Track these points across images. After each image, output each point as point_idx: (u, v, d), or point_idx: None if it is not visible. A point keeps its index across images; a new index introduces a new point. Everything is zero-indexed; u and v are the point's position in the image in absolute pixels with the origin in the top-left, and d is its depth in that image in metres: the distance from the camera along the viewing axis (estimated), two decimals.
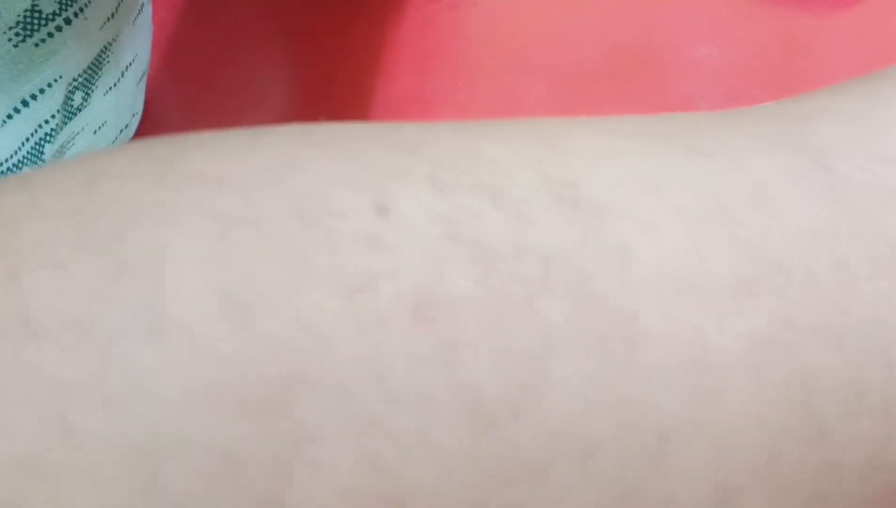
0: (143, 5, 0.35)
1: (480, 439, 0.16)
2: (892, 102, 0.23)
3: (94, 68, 0.31)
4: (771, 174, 0.20)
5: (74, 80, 0.30)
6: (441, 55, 0.43)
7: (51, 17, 0.28)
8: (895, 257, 0.20)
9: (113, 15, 0.31)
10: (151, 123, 0.39)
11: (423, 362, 0.16)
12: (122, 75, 0.34)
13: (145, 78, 0.38)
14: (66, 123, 0.31)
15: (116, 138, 0.36)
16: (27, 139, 0.29)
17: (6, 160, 0.28)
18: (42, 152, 0.29)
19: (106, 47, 0.32)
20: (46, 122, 0.29)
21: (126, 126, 0.37)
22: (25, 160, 0.29)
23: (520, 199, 0.18)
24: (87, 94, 0.31)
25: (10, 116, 0.28)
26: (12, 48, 0.27)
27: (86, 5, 0.29)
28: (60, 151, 0.31)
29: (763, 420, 0.18)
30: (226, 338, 0.15)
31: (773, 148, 0.21)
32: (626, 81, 0.42)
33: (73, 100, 0.31)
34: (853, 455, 0.20)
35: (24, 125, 0.28)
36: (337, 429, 0.15)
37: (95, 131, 0.33)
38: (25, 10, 0.27)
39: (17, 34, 0.27)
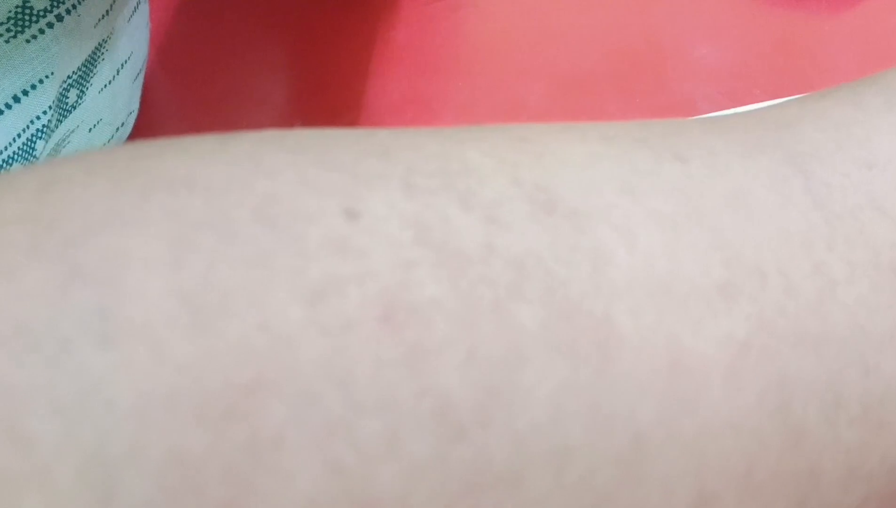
0: (139, 3, 0.35)
1: (449, 446, 0.16)
2: (879, 108, 0.23)
3: (89, 66, 0.31)
4: (749, 179, 0.20)
5: (69, 77, 0.30)
6: (441, 56, 0.42)
7: (42, 13, 0.27)
8: (875, 262, 0.20)
9: (108, 12, 0.31)
10: (148, 121, 0.39)
11: (390, 367, 0.15)
12: (118, 73, 0.34)
13: (142, 76, 0.38)
14: (60, 121, 0.31)
15: (112, 137, 0.36)
16: (18, 135, 0.28)
17: None
18: (34, 149, 0.29)
19: (101, 45, 0.31)
20: (38, 118, 0.29)
21: (122, 124, 0.37)
22: (16, 156, 0.29)
23: (492, 202, 0.18)
24: (82, 91, 0.31)
25: (0, 112, 0.28)
26: (3, 44, 0.27)
27: (79, 2, 0.29)
28: (56, 150, 0.31)
29: (739, 426, 0.18)
30: (184, 344, 0.14)
31: (753, 153, 0.21)
32: (626, 81, 0.42)
33: (67, 97, 0.31)
34: (832, 461, 0.19)
35: (14, 121, 0.28)
36: (300, 436, 0.15)
37: (90, 129, 0.33)
38: (16, 7, 0.27)
39: (7, 30, 0.27)
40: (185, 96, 0.40)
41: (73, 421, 0.14)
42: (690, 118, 0.24)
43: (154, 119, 0.39)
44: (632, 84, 0.42)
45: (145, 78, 0.39)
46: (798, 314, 0.19)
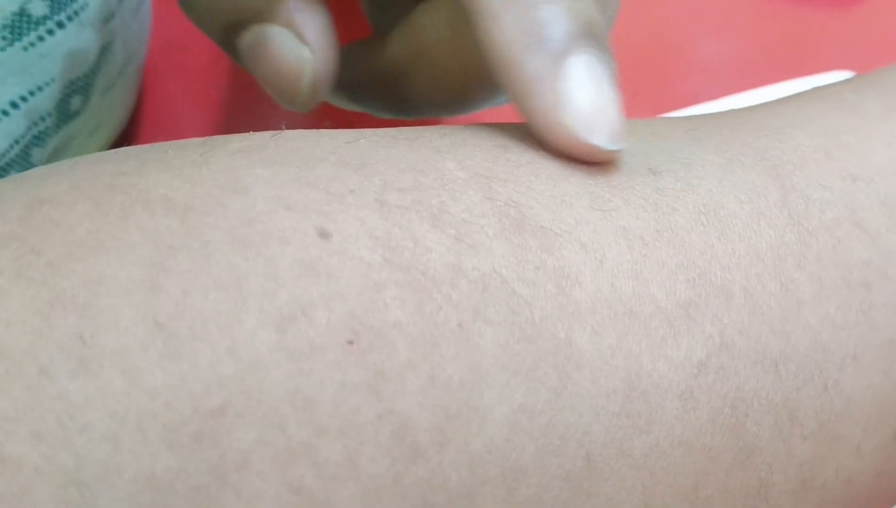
0: (142, 2, 0.35)
1: (406, 466, 0.16)
2: (877, 114, 0.22)
3: (93, 71, 0.31)
4: (724, 193, 0.20)
5: (72, 83, 0.30)
6: None
7: (41, 20, 0.27)
8: (846, 280, 0.20)
9: (112, 16, 0.31)
10: (147, 119, 0.39)
11: (353, 391, 0.16)
12: (120, 75, 0.34)
13: (141, 71, 0.38)
14: (60, 127, 0.31)
15: (111, 138, 0.36)
16: (16, 142, 0.28)
17: None
18: (29, 156, 0.29)
19: (105, 49, 0.31)
20: (35, 124, 0.29)
21: (120, 124, 0.37)
22: (14, 163, 0.29)
23: (462, 220, 0.18)
24: (86, 97, 0.31)
25: None
26: None
27: (81, 9, 0.28)
28: (54, 156, 0.31)
29: (689, 445, 0.18)
30: (156, 370, 0.15)
31: (731, 164, 0.21)
32: (630, 77, 0.41)
33: (70, 104, 0.30)
34: (783, 475, 0.19)
35: (13, 127, 0.28)
36: (264, 458, 0.15)
37: (91, 134, 0.33)
38: (13, 13, 0.26)
39: (3, 38, 0.26)
40: (184, 90, 0.40)
41: (51, 446, 0.14)
42: (681, 117, 0.23)
43: (153, 115, 0.39)
44: (636, 80, 0.42)
45: (144, 72, 0.39)
46: (760, 334, 0.19)
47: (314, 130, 0.20)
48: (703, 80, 0.42)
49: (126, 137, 0.38)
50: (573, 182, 0.19)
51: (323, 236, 0.17)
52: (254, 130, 0.39)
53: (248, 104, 0.40)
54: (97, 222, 0.16)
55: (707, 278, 0.19)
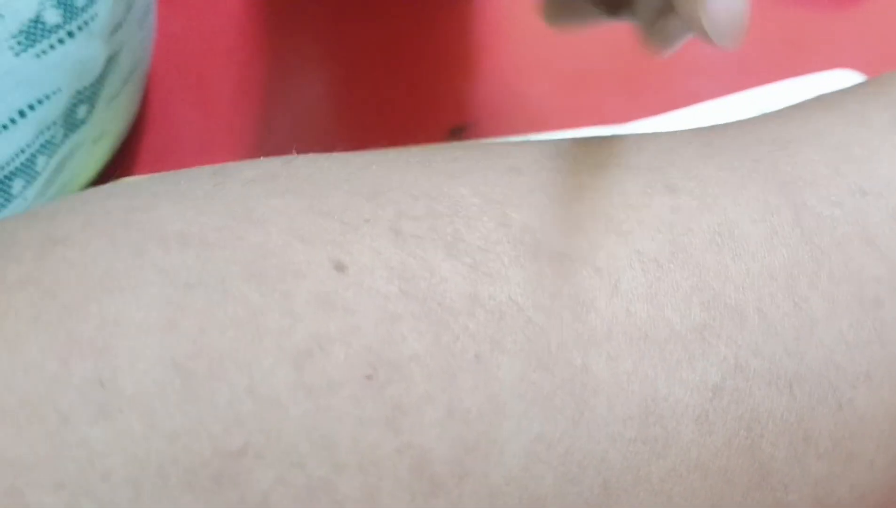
0: (147, 11, 0.35)
1: (426, 500, 0.16)
2: (884, 125, 0.22)
3: (100, 81, 0.31)
4: (738, 212, 0.20)
5: (79, 92, 0.30)
6: (443, 53, 0.42)
7: (53, 29, 0.27)
8: (858, 297, 0.20)
9: (120, 26, 0.31)
10: (151, 126, 0.39)
11: (371, 426, 0.16)
12: (125, 84, 0.34)
13: (145, 79, 0.38)
14: (67, 137, 0.30)
15: (115, 146, 0.36)
16: (22, 151, 0.28)
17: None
18: (34, 165, 0.29)
19: (112, 58, 0.31)
20: (42, 133, 0.29)
21: (123, 131, 0.36)
22: (18, 172, 0.28)
23: (477, 248, 0.18)
24: (92, 106, 0.31)
25: (5, 127, 0.27)
26: (13, 57, 0.26)
27: (91, 19, 0.28)
28: (61, 166, 0.31)
29: (706, 468, 0.18)
30: (175, 412, 0.15)
31: (744, 181, 0.21)
32: (630, 77, 0.42)
33: (76, 113, 0.30)
34: (798, 494, 0.19)
35: (20, 136, 0.28)
36: (284, 497, 0.15)
37: (95, 142, 0.33)
38: (29, 20, 0.26)
39: (18, 43, 0.26)
40: (187, 97, 0.40)
41: (73, 493, 0.14)
42: (691, 129, 0.23)
43: (157, 121, 0.39)
44: (636, 80, 0.42)
45: (149, 78, 0.39)
46: (774, 355, 0.19)
47: (326, 156, 0.20)
48: (703, 80, 0.42)
49: (129, 144, 0.37)
50: (588, 204, 0.19)
51: (339, 268, 0.17)
52: (255, 132, 0.39)
53: (250, 109, 0.40)
54: (112, 260, 0.16)
55: (721, 299, 0.19)
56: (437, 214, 0.18)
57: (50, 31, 0.27)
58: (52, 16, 0.27)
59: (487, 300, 0.17)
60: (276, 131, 0.39)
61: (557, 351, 0.17)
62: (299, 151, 0.37)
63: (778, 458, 0.19)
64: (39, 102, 0.28)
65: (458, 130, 0.40)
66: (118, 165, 0.36)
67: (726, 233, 0.20)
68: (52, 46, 0.27)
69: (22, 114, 0.28)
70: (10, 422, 0.14)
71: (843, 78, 0.40)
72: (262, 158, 0.20)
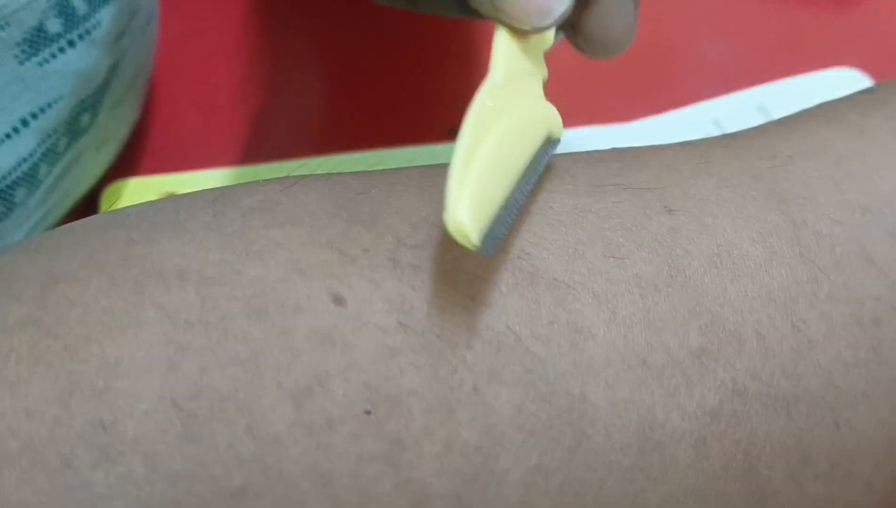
0: (150, 18, 0.35)
1: None
2: (884, 139, 0.22)
3: (103, 89, 0.31)
4: (737, 232, 0.20)
5: (82, 101, 0.30)
6: (442, 52, 0.42)
7: (55, 37, 0.27)
8: (857, 317, 0.20)
9: (124, 33, 0.31)
10: (153, 127, 0.39)
11: (371, 462, 0.16)
12: (128, 91, 0.33)
13: (147, 85, 0.38)
14: (70, 145, 0.30)
15: (117, 152, 0.36)
16: (24, 160, 0.28)
17: (2, 179, 0.28)
18: (36, 174, 0.29)
19: (114, 66, 0.31)
20: (44, 141, 0.29)
21: (125, 137, 0.36)
22: (20, 181, 0.28)
23: (475, 277, 0.18)
24: (95, 114, 0.31)
25: (8, 136, 0.27)
26: (17, 65, 0.27)
27: (94, 27, 0.28)
28: (63, 174, 0.31)
29: (703, 492, 0.18)
30: (176, 454, 0.15)
31: (744, 200, 0.20)
32: (630, 77, 0.42)
33: (79, 121, 0.30)
34: None
35: (23, 145, 0.28)
36: None
37: (98, 149, 0.33)
38: (33, 28, 0.26)
39: (23, 51, 0.26)
40: (189, 101, 0.40)
41: None
42: (689, 143, 0.23)
43: (158, 126, 0.39)
44: (636, 80, 0.42)
45: (151, 81, 0.39)
46: (772, 378, 0.19)
47: (325, 179, 0.20)
48: (703, 80, 0.42)
49: (131, 147, 0.37)
50: (586, 227, 0.19)
51: (337, 301, 0.17)
52: (256, 135, 0.39)
53: (251, 112, 0.40)
54: (112, 299, 0.16)
55: (720, 323, 0.19)
56: (437, 241, 0.18)
57: (52, 40, 0.27)
58: (54, 24, 0.27)
59: (485, 331, 0.17)
60: (277, 134, 0.39)
61: (555, 381, 0.17)
62: (300, 152, 0.37)
63: (775, 480, 0.19)
64: (42, 110, 0.28)
65: (457, 130, 0.40)
66: (120, 169, 0.36)
67: (725, 254, 0.19)
68: (53, 55, 0.27)
69: (25, 123, 0.28)
70: (13, 466, 0.14)
71: (844, 76, 0.40)
72: (260, 181, 0.20)
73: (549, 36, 0.23)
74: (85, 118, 0.30)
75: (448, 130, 0.39)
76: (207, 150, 0.38)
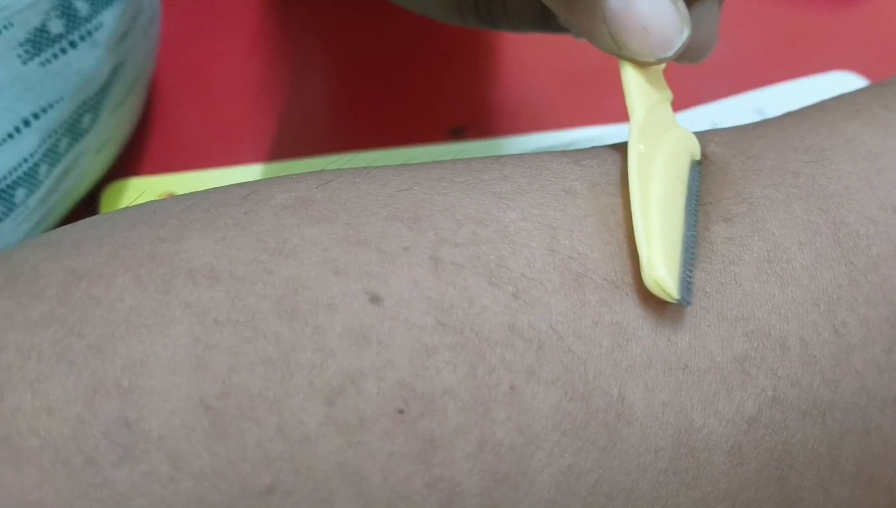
0: (153, 19, 0.35)
1: None
2: None
3: (105, 89, 0.31)
4: (785, 235, 0.20)
5: (84, 102, 0.30)
6: (441, 52, 0.42)
7: (58, 38, 0.27)
8: (889, 321, 0.20)
9: (126, 34, 0.31)
10: (155, 127, 0.39)
11: (402, 460, 0.16)
12: (130, 92, 0.34)
13: (149, 86, 0.38)
14: (71, 146, 0.30)
15: (118, 153, 0.36)
16: (25, 160, 0.28)
17: (2, 179, 0.28)
18: (37, 174, 0.29)
19: (117, 67, 0.31)
20: (45, 141, 0.29)
21: (126, 138, 0.36)
22: (21, 181, 0.28)
23: (520, 275, 0.18)
24: (96, 115, 0.31)
25: (10, 136, 0.27)
26: (20, 65, 0.27)
27: (96, 28, 0.28)
28: (64, 174, 0.31)
29: (734, 498, 0.18)
30: (202, 452, 0.15)
31: (789, 198, 0.20)
32: None
33: (81, 122, 0.30)
34: None
35: (25, 145, 0.28)
36: None
37: (99, 150, 0.33)
38: (35, 28, 0.26)
39: (25, 51, 0.26)
40: (188, 102, 0.40)
41: None
42: (723, 131, 0.23)
43: (160, 126, 0.39)
44: None
45: (153, 82, 0.39)
46: (812, 385, 0.19)
47: (365, 175, 0.19)
48: (703, 80, 0.42)
49: (131, 149, 0.37)
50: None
51: (374, 300, 0.16)
52: (258, 135, 0.39)
53: (253, 113, 0.40)
54: (138, 297, 0.16)
55: (765, 329, 0.19)
56: (482, 239, 0.18)
57: (54, 41, 0.27)
58: (56, 25, 0.27)
59: (527, 330, 0.17)
60: (278, 134, 0.39)
61: (594, 380, 0.17)
62: (300, 152, 0.37)
63: (805, 487, 0.19)
64: (44, 110, 0.28)
65: (458, 130, 0.40)
66: (121, 169, 0.36)
67: (776, 258, 0.19)
68: (55, 56, 0.27)
69: (27, 123, 0.28)
70: (34, 464, 0.14)
71: (842, 80, 0.40)
72: (294, 175, 0.19)
73: None
74: (86, 119, 0.30)
75: (449, 130, 0.40)
76: (207, 150, 0.38)
